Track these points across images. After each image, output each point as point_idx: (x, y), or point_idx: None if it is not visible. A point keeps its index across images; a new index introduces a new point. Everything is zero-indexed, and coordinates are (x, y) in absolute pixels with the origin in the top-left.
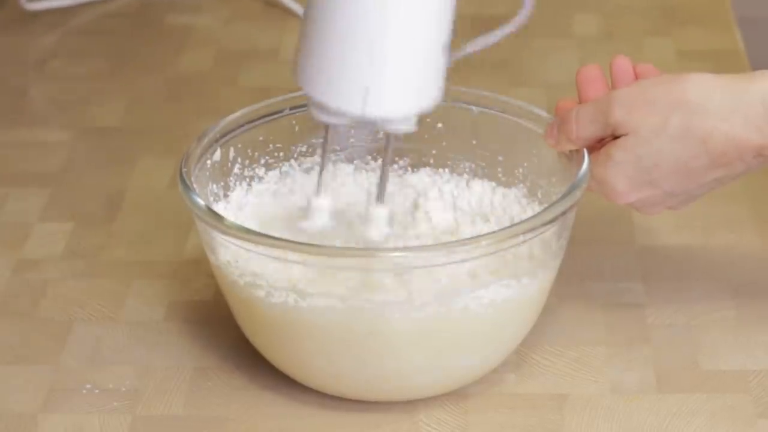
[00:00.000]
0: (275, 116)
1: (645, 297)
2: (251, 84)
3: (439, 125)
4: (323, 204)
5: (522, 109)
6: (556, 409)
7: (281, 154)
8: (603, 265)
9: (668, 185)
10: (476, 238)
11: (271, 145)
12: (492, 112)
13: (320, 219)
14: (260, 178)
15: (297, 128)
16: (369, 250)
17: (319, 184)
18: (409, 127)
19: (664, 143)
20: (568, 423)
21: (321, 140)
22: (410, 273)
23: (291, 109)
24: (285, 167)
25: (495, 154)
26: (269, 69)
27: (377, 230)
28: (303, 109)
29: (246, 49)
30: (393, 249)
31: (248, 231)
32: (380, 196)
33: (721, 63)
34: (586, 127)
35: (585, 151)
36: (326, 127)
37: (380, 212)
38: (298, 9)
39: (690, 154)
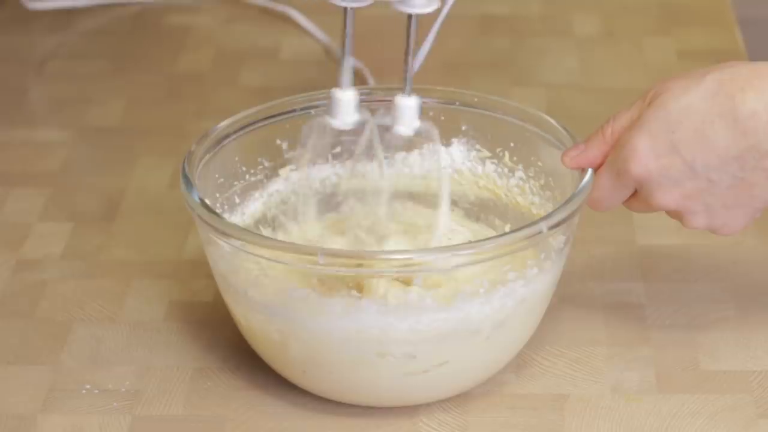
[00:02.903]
0: (281, 117)
1: (645, 297)
2: (250, 84)
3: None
4: (350, 96)
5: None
6: (556, 409)
7: (286, 156)
8: (603, 265)
9: (689, 153)
10: (481, 242)
11: (275, 146)
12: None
13: (349, 114)
14: (264, 180)
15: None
16: (371, 252)
17: (343, 75)
18: (432, 6)
19: (694, 99)
20: (569, 423)
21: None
22: (416, 277)
23: (301, 109)
24: (287, 170)
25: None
26: (268, 69)
27: (407, 124)
28: (308, 110)
29: (245, 50)
30: (395, 252)
31: (250, 233)
32: (407, 86)
33: (721, 63)
34: (622, 115)
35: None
36: (345, 11)
37: (409, 103)
38: (296, 15)
39: (717, 112)
